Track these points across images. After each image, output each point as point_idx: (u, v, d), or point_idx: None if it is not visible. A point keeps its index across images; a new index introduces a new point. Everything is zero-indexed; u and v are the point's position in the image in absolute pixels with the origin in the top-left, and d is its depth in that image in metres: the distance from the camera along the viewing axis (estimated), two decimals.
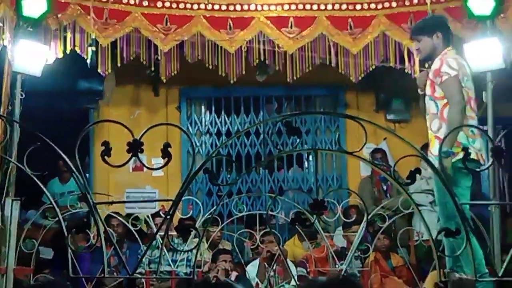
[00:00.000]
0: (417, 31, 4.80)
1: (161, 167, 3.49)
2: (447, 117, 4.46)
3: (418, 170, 3.80)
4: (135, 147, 3.34)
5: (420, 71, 6.80)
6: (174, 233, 5.08)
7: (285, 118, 3.49)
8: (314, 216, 4.09)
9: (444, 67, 4.50)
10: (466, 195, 4.39)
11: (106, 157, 3.35)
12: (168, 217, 3.69)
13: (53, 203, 3.37)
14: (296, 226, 6.40)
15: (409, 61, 6.70)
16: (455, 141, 4.28)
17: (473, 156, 4.24)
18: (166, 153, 3.39)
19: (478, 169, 4.32)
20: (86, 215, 5.93)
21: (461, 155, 4.18)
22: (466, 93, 4.52)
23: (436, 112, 4.55)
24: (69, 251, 3.09)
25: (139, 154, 3.40)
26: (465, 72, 4.57)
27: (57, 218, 4.05)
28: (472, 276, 3.56)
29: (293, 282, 5.68)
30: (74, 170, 3.27)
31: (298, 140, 3.93)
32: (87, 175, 7.75)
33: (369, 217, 5.59)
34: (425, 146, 7.11)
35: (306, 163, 8.68)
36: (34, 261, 5.90)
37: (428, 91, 4.61)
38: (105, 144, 3.29)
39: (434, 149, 4.48)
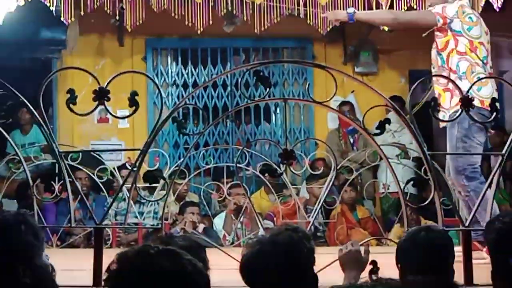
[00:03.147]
0: None
1: (128, 116, 3.43)
2: None
3: (387, 120, 3.80)
4: (101, 95, 3.26)
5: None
6: (141, 184, 5.02)
7: (254, 66, 3.42)
8: (283, 166, 4.07)
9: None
10: (479, 151, 4.48)
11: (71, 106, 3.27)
12: (135, 168, 3.64)
13: (19, 153, 3.29)
14: (263, 178, 6.40)
15: None
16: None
17: (477, 103, 4.23)
18: (133, 101, 3.32)
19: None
20: (51, 166, 5.83)
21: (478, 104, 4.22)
22: (469, 41, 4.51)
23: (442, 65, 4.57)
24: (35, 201, 3.02)
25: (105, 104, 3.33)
26: (465, 19, 4.54)
27: (21, 169, 3.97)
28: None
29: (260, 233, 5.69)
30: (40, 119, 3.18)
31: (266, 91, 3.89)
32: (51, 126, 7.58)
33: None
34: (392, 99, 7.18)
35: (273, 116, 8.65)
36: None
37: (434, 44, 4.65)
38: (71, 91, 3.21)
39: (445, 103, 4.50)
